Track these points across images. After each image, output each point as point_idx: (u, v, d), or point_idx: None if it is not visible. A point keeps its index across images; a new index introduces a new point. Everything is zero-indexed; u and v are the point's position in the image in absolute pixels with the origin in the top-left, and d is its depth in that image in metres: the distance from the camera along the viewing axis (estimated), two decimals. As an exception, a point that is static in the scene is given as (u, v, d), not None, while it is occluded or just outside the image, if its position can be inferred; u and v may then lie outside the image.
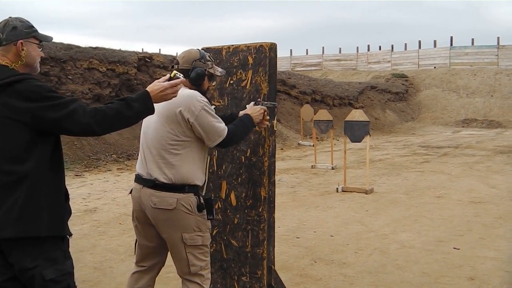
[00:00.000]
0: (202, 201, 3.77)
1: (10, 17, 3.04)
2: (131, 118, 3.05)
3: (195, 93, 3.74)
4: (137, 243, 4.08)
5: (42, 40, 3.14)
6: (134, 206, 3.91)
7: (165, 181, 3.67)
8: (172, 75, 3.33)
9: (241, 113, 4.16)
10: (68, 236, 3.15)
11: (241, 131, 3.95)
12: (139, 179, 3.84)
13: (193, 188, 3.74)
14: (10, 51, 2.99)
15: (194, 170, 3.75)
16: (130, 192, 3.95)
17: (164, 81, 3.22)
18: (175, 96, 3.27)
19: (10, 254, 2.92)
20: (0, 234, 2.87)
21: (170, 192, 3.67)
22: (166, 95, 3.20)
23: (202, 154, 3.84)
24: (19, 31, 3.01)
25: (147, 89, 3.15)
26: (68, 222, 3.18)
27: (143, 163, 3.83)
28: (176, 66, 3.85)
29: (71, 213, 3.21)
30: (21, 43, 3.00)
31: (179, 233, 3.71)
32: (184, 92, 3.66)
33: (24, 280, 2.95)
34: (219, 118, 3.79)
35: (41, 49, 3.13)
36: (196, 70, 3.77)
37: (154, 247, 3.99)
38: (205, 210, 3.77)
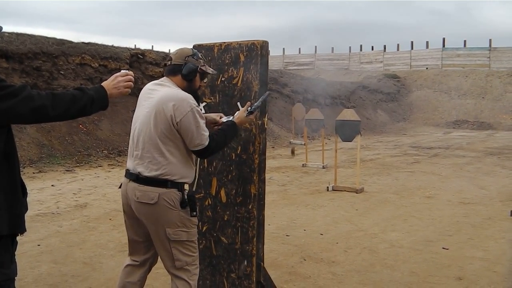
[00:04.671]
0: (185, 197, 3.77)
1: None
2: (86, 107, 2.99)
3: (188, 95, 3.77)
4: (128, 238, 4.10)
5: None
6: (123, 200, 3.93)
7: (148, 175, 3.68)
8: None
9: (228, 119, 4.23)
10: (20, 235, 2.98)
11: (221, 141, 3.94)
12: (127, 173, 3.86)
13: (176, 184, 3.74)
14: None
15: (179, 166, 3.76)
16: (120, 187, 3.97)
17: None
18: (129, 86, 3.29)
19: None
20: None
21: (152, 187, 3.68)
22: (118, 83, 3.22)
23: (189, 151, 3.84)
24: None
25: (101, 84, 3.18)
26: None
27: (130, 157, 3.86)
28: (169, 62, 3.89)
29: (27, 209, 3.06)
30: None
31: (163, 228, 3.72)
32: (178, 92, 3.76)
33: None
34: (205, 127, 3.80)
35: None
36: (188, 65, 3.83)
37: (143, 241, 4.00)
38: (188, 206, 3.78)
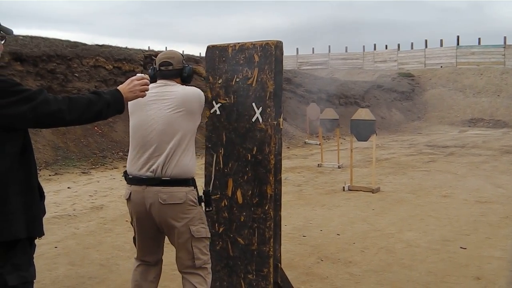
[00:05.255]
0: (200, 193, 3.94)
1: None
2: (102, 111, 3.01)
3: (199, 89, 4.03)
4: (138, 242, 4.16)
5: (5, 33, 2.98)
6: (136, 209, 3.92)
7: (174, 175, 3.76)
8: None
9: None
10: (38, 238, 2.99)
11: None
12: (138, 180, 3.85)
13: (193, 181, 3.89)
14: None
15: (194, 163, 3.93)
16: (128, 198, 3.95)
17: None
18: (145, 89, 3.34)
19: None
20: None
21: (178, 187, 3.76)
22: (134, 87, 3.24)
23: (194, 148, 4.02)
24: None
25: (117, 87, 3.21)
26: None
27: (142, 162, 3.85)
28: (170, 67, 4.01)
29: (45, 213, 3.06)
30: None
31: (187, 226, 3.81)
32: (194, 89, 3.96)
33: None
34: None
35: (3, 41, 2.98)
36: (190, 68, 4.07)
37: (158, 244, 4.14)
38: (203, 202, 3.96)
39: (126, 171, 3.99)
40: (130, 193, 3.91)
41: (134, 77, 3.31)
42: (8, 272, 2.78)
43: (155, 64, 4.06)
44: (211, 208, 4.04)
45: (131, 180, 3.90)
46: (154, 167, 3.77)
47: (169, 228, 3.85)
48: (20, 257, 2.84)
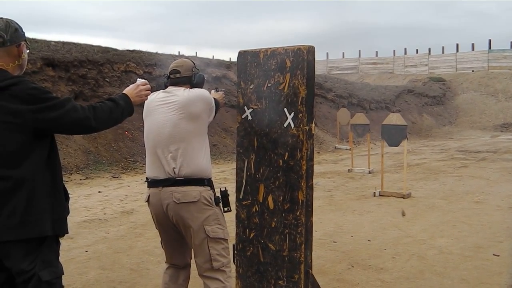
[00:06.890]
0: (217, 194, 4.05)
1: (4, 18, 3.05)
2: (118, 117, 3.26)
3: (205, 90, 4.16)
4: (164, 245, 4.28)
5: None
6: (155, 210, 4.06)
7: (186, 175, 3.86)
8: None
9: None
10: (61, 237, 3.20)
11: None
12: (155, 182, 4.01)
13: (209, 182, 3.99)
14: (10, 52, 3.02)
15: (208, 163, 4.03)
16: (147, 201, 4.10)
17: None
18: (148, 94, 3.55)
19: (9, 257, 2.97)
20: (3, 237, 2.90)
21: (192, 186, 3.87)
22: (140, 92, 3.47)
23: (209, 148, 4.13)
24: (20, 33, 3.08)
25: (123, 92, 3.42)
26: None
27: (156, 165, 4.01)
28: (178, 75, 4.13)
29: (69, 213, 3.26)
30: (24, 45, 3.10)
31: (202, 226, 3.88)
32: (200, 90, 4.11)
33: (19, 282, 2.99)
34: None
35: (28, 51, 3.19)
36: (200, 75, 4.19)
37: (182, 246, 4.20)
38: (221, 203, 4.05)
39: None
40: (149, 195, 4.06)
41: (139, 83, 3.53)
42: (41, 269, 2.96)
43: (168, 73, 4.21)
44: (229, 209, 4.14)
45: (149, 183, 4.07)
46: (168, 168, 3.90)
47: (185, 228, 3.94)
48: (48, 253, 3.03)
